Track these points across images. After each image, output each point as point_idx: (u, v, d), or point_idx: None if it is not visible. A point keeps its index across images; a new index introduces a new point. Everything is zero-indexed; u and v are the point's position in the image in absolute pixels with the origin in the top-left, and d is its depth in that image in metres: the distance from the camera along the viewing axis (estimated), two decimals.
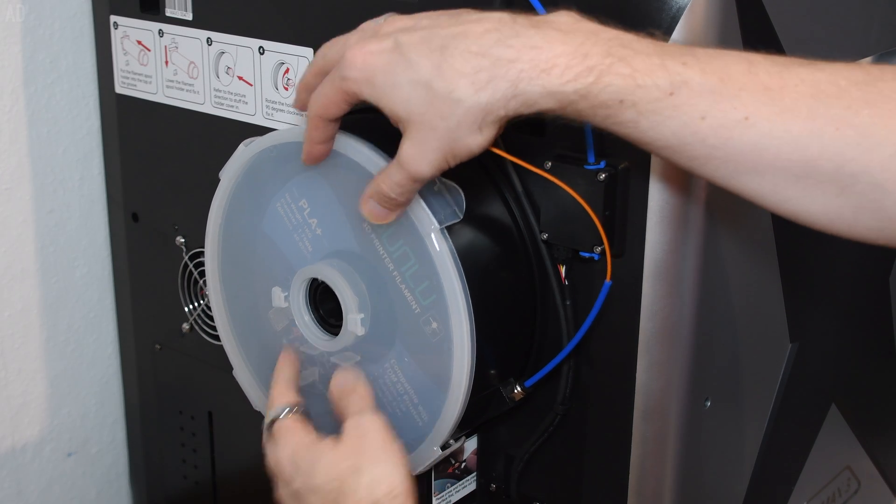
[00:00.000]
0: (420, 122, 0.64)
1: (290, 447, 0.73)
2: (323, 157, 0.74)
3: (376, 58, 0.65)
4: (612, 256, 0.75)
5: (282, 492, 0.74)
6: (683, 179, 0.73)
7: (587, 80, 0.60)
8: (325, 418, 0.79)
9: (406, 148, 0.65)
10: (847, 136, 0.58)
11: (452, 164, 0.66)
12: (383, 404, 0.80)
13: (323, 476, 0.70)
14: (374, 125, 0.79)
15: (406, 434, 0.80)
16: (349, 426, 0.72)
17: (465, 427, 0.79)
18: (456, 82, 0.62)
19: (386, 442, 0.71)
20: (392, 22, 0.67)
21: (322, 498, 0.70)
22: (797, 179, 0.60)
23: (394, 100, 0.64)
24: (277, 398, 0.77)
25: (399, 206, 0.70)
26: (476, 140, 0.64)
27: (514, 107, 0.62)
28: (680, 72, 0.59)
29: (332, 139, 0.73)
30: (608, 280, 0.74)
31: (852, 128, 0.58)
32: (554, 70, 0.60)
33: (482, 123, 0.63)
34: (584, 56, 0.60)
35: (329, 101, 0.69)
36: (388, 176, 0.68)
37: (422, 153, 0.65)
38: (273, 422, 0.75)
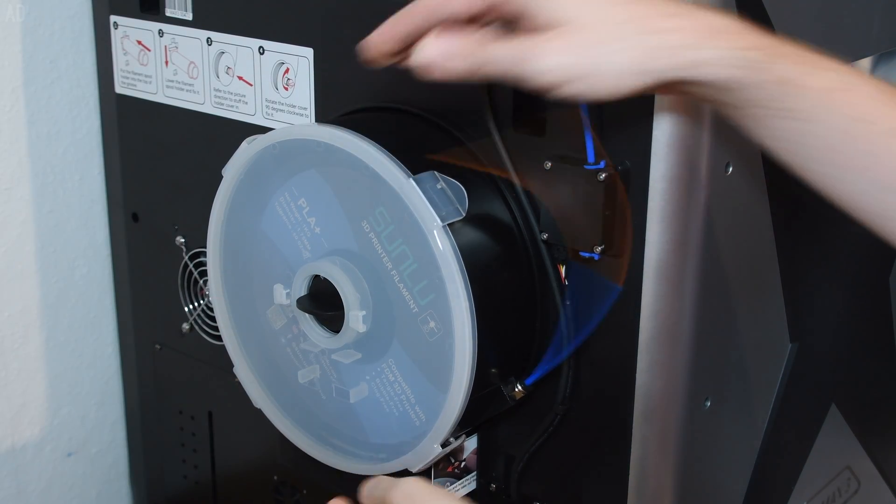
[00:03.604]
0: (585, 27, 0.59)
1: None
2: (385, 61, 0.66)
3: None
4: (613, 256, 0.75)
5: None
6: (683, 179, 0.73)
7: (760, 53, 0.59)
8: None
9: (552, 38, 0.59)
10: None
11: (582, 90, 0.60)
12: (381, 404, 0.80)
13: None
14: (373, 124, 0.80)
15: (404, 434, 0.80)
16: (397, 499, 0.64)
17: (465, 425, 0.79)
18: (647, 10, 0.60)
19: (436, 492, 0.64)
20: None
21: None
22: None
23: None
24: None
25: (473, 68, 0.62)
26: (623, 79, 0.59)
27: (683, 61, 0.59)
28: (848, 71, 0.60)
29: (406, 52, 0.65)
30: (620, 285, 0.75)
31: None
32: (734, 36, 0.59)
33: (644, 67, 0.59)
34: (758, 36, 0.60)
35: None
36: (502, 46, 0.61)
37: (568, 49, 0.59)
38: None
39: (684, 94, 0.64)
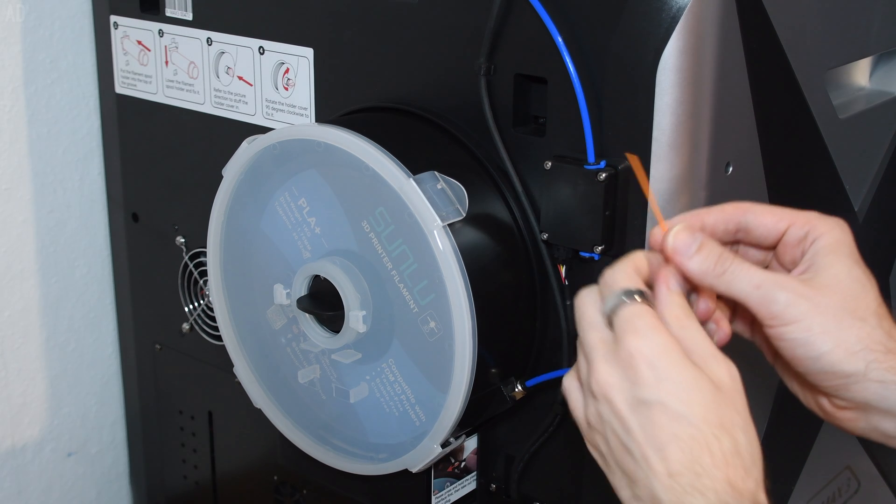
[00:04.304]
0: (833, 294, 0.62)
1: (656, 344, 0.59)
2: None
3: None
4: (612, 256, 0.75)
5: (615, 392, 0.60)
6: (683, 179, 0.73)
7: None
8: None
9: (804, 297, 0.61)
10: None
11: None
12: (381, 404, 0.80)
13: (700, 409, 0.57)
14: (373, 124, 0.80)
15: (404, 434, 0.80)
16: (725, 372, 0.60)
17: (465, 425, 0.79)
18: None
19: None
20: None
21: (687, 429, 0.57)
22: None
23: None
24: (621, 279, 0.62)
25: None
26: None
27: None
28: None
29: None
30: None
31: None
32: None
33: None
34: None
35: None
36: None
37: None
38: (618, 305, 0.61)
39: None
